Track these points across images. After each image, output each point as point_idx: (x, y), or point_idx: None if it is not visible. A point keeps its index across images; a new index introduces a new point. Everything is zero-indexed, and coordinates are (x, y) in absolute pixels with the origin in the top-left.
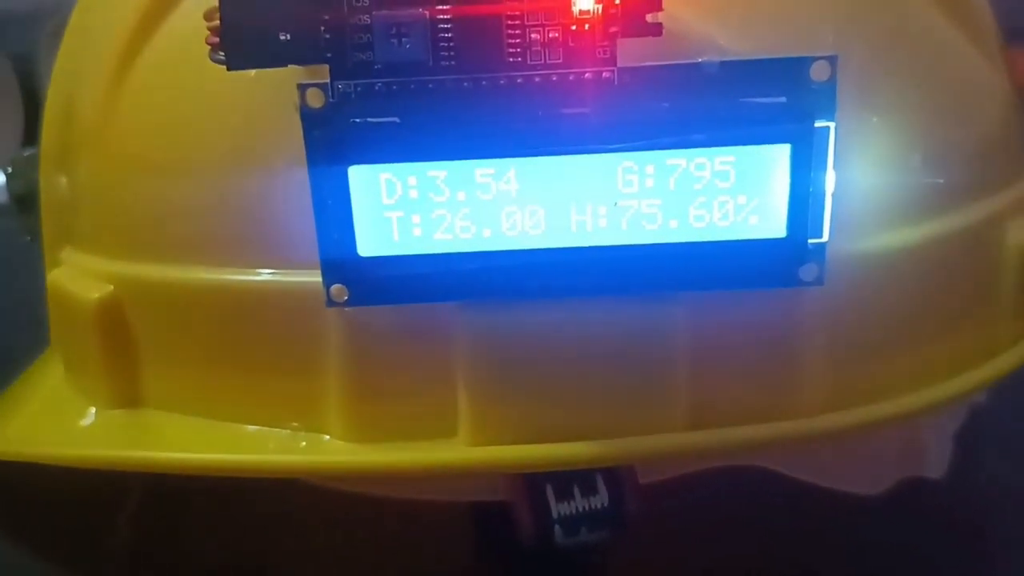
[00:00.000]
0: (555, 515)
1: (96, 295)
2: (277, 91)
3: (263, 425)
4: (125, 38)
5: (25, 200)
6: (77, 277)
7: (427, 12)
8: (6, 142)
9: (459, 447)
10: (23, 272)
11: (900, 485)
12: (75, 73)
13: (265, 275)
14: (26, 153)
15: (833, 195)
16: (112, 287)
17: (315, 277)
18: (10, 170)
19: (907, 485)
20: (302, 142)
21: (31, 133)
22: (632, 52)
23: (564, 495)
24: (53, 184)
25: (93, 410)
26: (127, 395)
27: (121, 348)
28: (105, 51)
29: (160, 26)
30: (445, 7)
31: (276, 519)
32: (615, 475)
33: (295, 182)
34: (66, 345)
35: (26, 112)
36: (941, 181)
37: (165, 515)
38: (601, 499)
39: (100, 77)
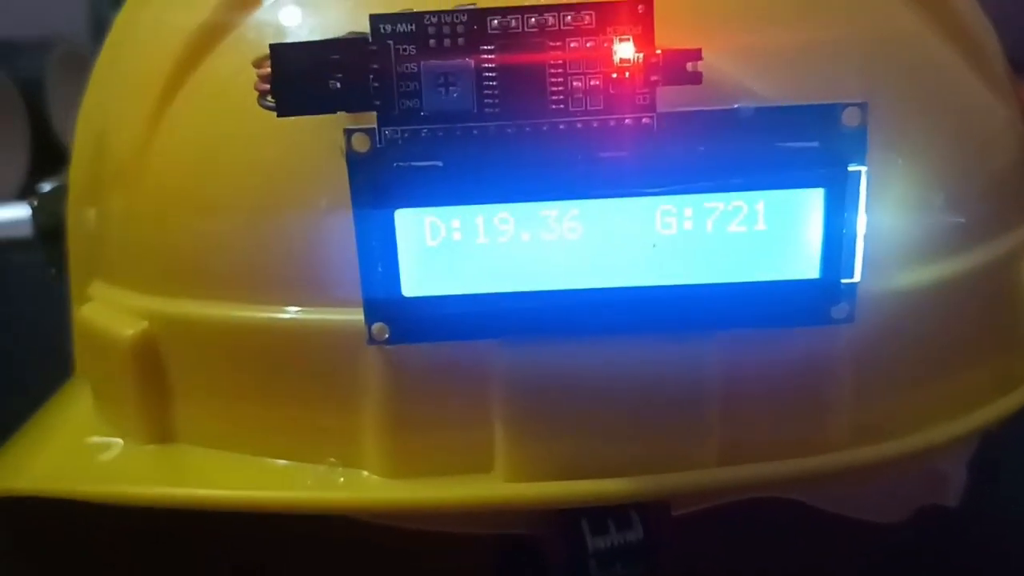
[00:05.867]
0: (590, 549)
1: (130, 332)
2: (317, 131)
3: (299, 460)
4: (164, 75)
5: (50, 233)
6: (109, 312)
7: (472, 61)
8: (14, 167)
9: (496, 483)
10: (39, 301)
11: (918, 513)
12: (106, 108)
13: (303, 312)
14: (48, 187)
15: (864, 236)
16: (147, 323)
17: (352, 315)
18: (36, 203)
19: (925, 513)
20: (341, 182)
21: (38, 159)
22: (669, 97)
23: (599, 529)
24: (82, 218)
25: (125, 444)
26: (161, 430)
27: (155, 384)
28: (141, 88)
29: (199, 64)
30: (490, 56)
31: (294, 544)
32: (649, 509)
33: (333, 221)
34: (97, 379)
35: (33, 138)
36: (962, 220)
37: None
38: (636, 533)
39: (137, 113)
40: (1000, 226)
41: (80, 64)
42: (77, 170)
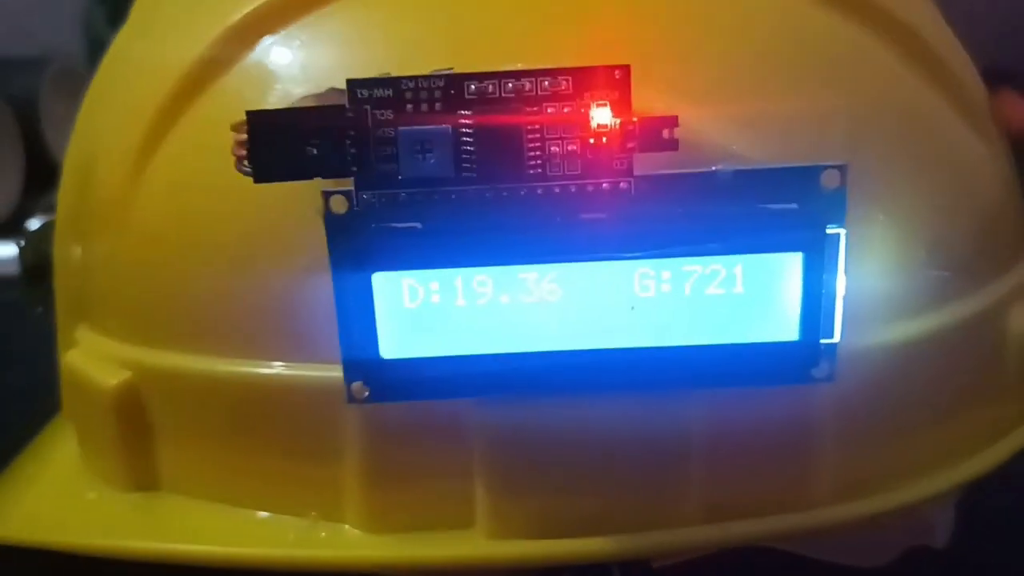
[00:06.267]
0: None
1: (114, 381)
2: (298, 190)
3: (281, 513)
4: (154, 112)
5: (36, 271)
6: (93, 361)
7: (450, 126)
8: (7, 188)
9: (478, 539)
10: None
11: (905, 555)
12: (95, 143)
13: (284, 368)
14: (36, 225)
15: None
16: (130, 373)
17: (333, 372)
18: (23, 242)
19: (912, 555)
20: (323, 240)
21: (32, 179)
22: (651, 159)
23: None
24: (68, 254)
25: (108, 493)
26: (143, 479)
27: (138, 433)
28: (129, 128)
29: (192, 103)
30: (468, 121)
31: None
32: (630, 565)
33: (316, 279)
34: (81, 426)
35: (27, 158)
36: (947, 274)
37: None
38: None
39: (123, 155)
40: (986, 275)
41: (75, 82)
42: (64, 205)
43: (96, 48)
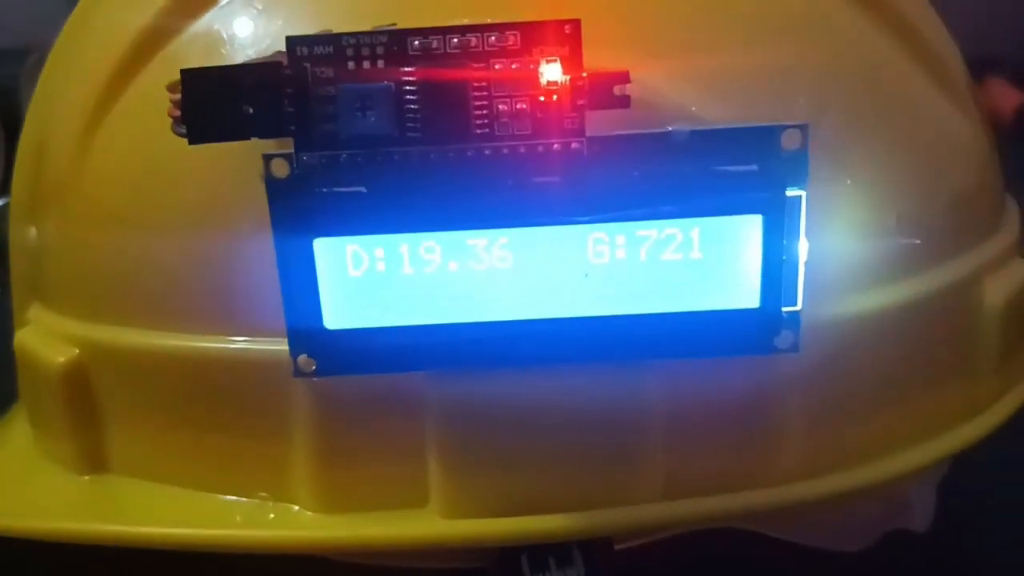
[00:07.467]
0: None
1: (62, 359)
2: (245, 157)
3: (231, 494)
4: (96, 93)
5: None
6: (44, 338)
7: (392, 84)
8: None
9: (431, 519)
10: None
11: (884, 539)
12: (46, 122)
13: (231, 342)
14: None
15: (807, 261)
16: (78, 350)
17: (282, 345)
18: None
19: (891, 539)
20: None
21: (12, 170)
22: (602, 120)
23: (539, 566)
24: (22, 235)
25: (58, 475)
26: (93, 460)
27: (87, 413)
28: (76, 104)
29: (131, 83)
30: (411, 78)
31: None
32: (591, 544)
33: (262, 250)
34: (33, 407)
35: (8, 145)
36: (917, 241)
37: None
38: (577, 569)
39: (70, 131)
40: (960, 246)
41: None
42: (19, 184)
43: None
